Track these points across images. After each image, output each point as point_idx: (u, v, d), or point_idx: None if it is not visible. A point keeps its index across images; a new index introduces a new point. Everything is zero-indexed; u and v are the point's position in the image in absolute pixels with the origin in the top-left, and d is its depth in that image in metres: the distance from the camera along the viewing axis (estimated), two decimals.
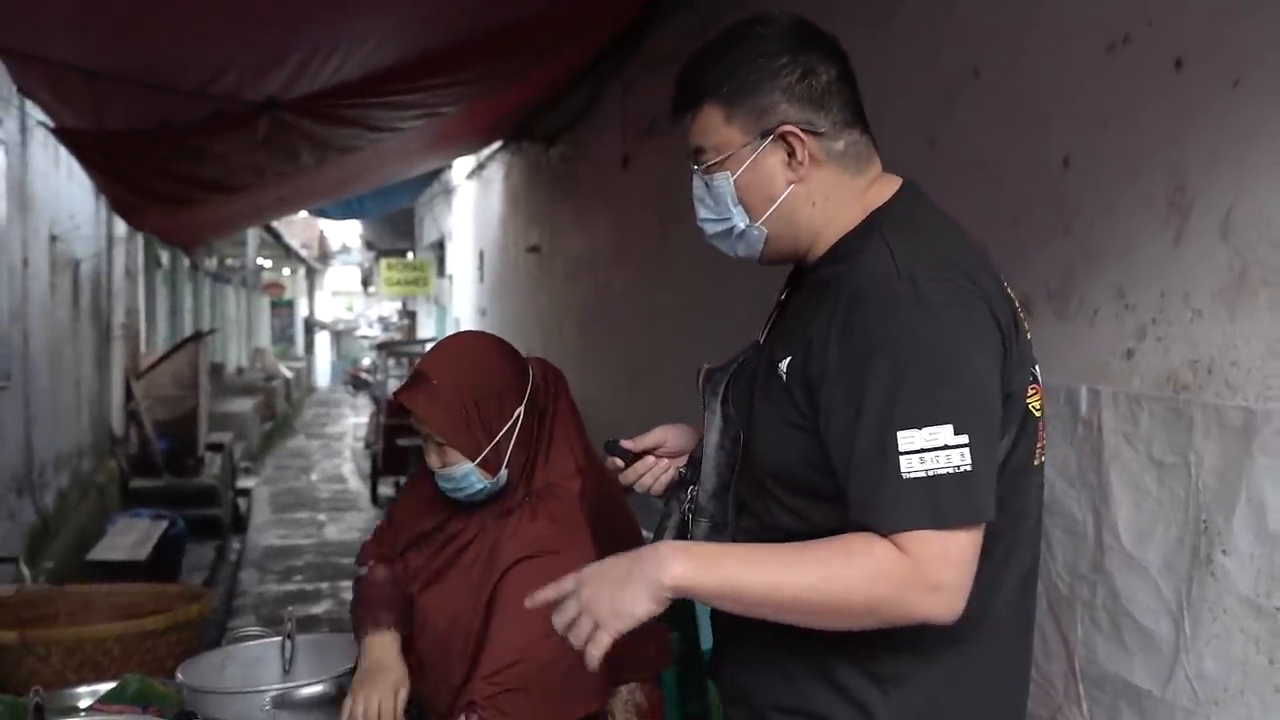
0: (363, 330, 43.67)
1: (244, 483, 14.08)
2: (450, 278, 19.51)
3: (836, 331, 1.63)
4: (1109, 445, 2.54)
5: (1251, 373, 2.19)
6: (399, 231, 24.87)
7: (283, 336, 35.39)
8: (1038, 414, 1.76)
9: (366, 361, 31.28)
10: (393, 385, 12.87)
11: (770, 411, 1.74)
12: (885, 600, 1.56)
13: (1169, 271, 2.40)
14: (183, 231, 10.06)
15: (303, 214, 19.80)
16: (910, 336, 1.58)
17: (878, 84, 1.85)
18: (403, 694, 2.32)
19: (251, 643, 2.76)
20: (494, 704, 2.17)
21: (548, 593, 1.73)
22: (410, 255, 25.36)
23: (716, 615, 1.88)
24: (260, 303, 31.19)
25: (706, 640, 3.20)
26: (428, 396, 2.30)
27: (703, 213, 1.83)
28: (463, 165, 15.55)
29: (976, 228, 1.85)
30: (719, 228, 1.81)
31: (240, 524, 12.20)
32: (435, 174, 16.24)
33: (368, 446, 15.18)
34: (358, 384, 30.18)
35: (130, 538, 7.97)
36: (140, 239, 12.43)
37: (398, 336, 27.70)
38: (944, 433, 1.54)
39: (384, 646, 2.37)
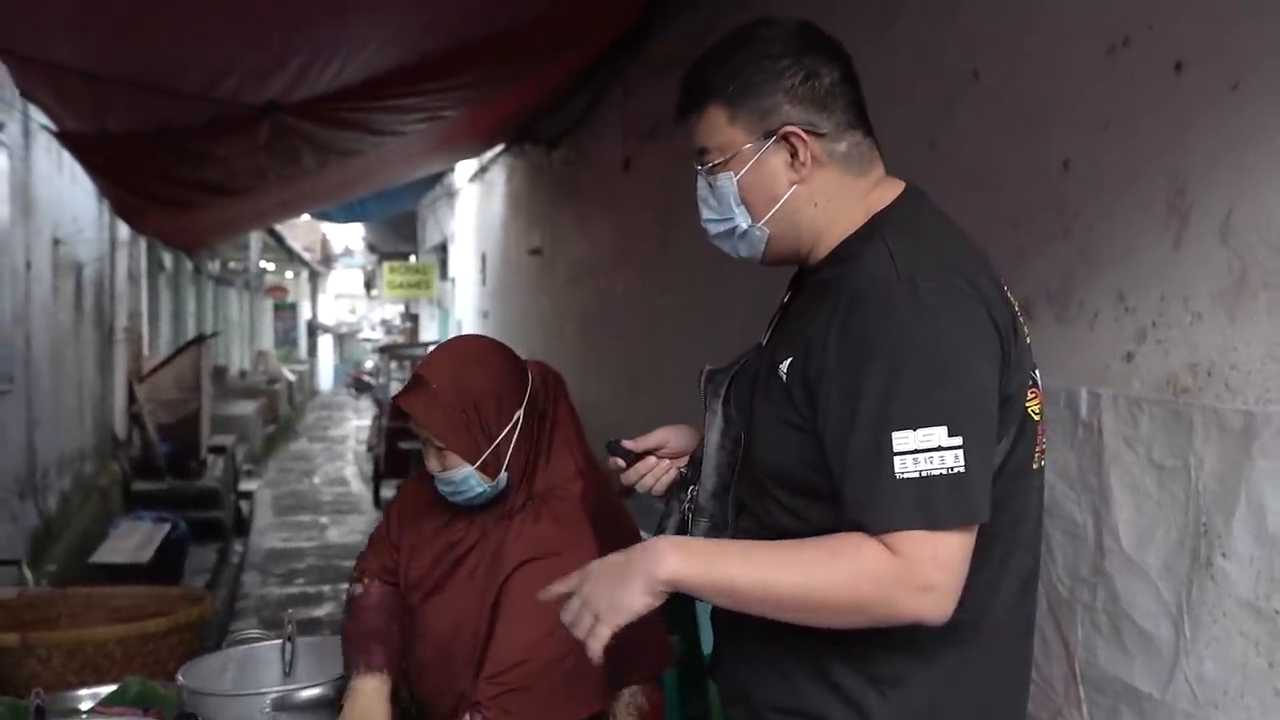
0: (365, 333, 43.71)
1: (246, 485, 14.08)
2: (453, 280, 19.53)
3: (836, 332, 1.64)
4: (1109, 448, 2.54)
5: (1251, 375, 2.19)
6: (401, 234, 24.90)
7: (285, 339, 35.43)
8: (1037, 418, 1.76)
9: (369, 364, 31.31)
10: (395, 388, 12.86)
11: (770, 412, 1.74)
12: (873, 599, 1.57)
13: (1169, 275, 2.40)
14: (185, 235, 10.08)
15: (305, 217, 19.80)
16: (907, 338, 1.59)
17: (879, 88, 1.86)
18: None
19: (252, 645, 2.77)
20: (498, 704, 2.17)
21: (558, 587, 1.76)
22: (413, 258, 25.39)
23: (716, 614, 1.89)
24: (263, 306, 31.23)
25: (708, 643, 3.20)
26: (427, 400, 2.29)
27: (706, 213, 1.84)
28: (465, 168, 15.57)
29: (977, 231, 1.85)
30: (722, 228, 1.83)
31: (242, 527, 12.21)
32: (438, 177, 16.27)
33: (370, 449, 15.18)
34: (360, 387, 30.19)
35: (132, 540, 7.98)
36: (143, 242, 12.45)
37: (400, 339, 27.73)
38: (938, 434, 1.55)
39: (372, 694, 2.36)
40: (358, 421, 24.31)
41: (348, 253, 40.73)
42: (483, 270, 15.18)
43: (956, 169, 3.16)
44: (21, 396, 7.66)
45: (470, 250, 16.59)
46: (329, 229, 33.62)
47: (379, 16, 4.59)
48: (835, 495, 1.63)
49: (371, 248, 31.77)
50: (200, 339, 13.55)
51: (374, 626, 2.44)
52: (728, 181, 1.78)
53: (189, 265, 17.81)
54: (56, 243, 8.79)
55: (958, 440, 1.55)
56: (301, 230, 30.11)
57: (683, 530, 1.91)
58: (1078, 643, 2.63)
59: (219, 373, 17.69)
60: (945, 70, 3.32)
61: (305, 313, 38.66)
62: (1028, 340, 1.77)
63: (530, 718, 2.19)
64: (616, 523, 2.39)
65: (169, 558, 8.11)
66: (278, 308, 34.38)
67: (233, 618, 8.18)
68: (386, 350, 18.08)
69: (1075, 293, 2.69)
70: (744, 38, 1.79)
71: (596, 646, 1.68)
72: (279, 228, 21.85)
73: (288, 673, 2.66)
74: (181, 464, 11.30)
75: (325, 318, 43.54)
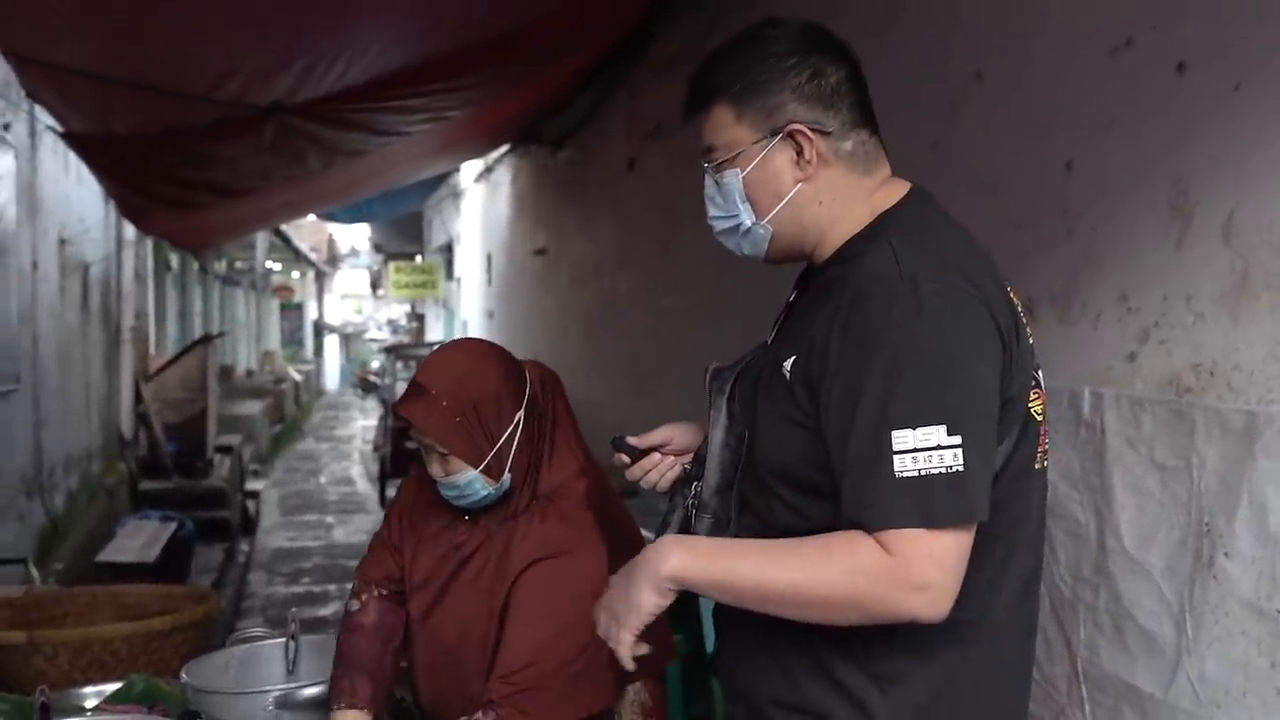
0: (371, 333, 43.77)
1: (252, 485, 14.11)
2: (458, 281, 19.54)
3: (838, 331, 1.65)
4: (1112, 448, 2.54)
5: (1253, 376, 2.19)
6: (407, 235, 24.93)
7: (292, 339, 35.46)
8: (1039, 418, 1.77)
9: (375, 364, 31.33)
10: (401, 388, 12.87)
11: (773, 410, 1.75)
12: (868, 597, 1.58)
13: (1171, 275, 2.40)
14: (191, 235, 10.09)
15: (311, 217, 19.82)
16: (908, 337, 1.59)
17: (882, 89, 1.87)
18: None
19: (256, 644, 2.78)
20: (512, 703, 2.17)
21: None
22: (418, 258, 25.43)
23: (719, 611, 1.90)
24: (269, 306, 31.25)
25: (711, 641, 3.21)
26: (426, 407, 2.29)
27: (712, 210, 1.85)
28: (471, 169, 15.59)
29: (980, 232, 1.85)
30: (727, 225, 1.84)
31: (249, 526, 12.24)
32: (443, 177, 16.27)
33: (376, 449, 15.21)
34: (366, 387, 30.24)
35: (139, 539, 8.00)
36: (149, 242, 12.46)
37: (406, 339, 27.78)
38: (937, 433, 1.56)
39: None
40: (364, 421, 24.35)
41: (354, 253, 40.80)
42: (488, 270, 15.20)
43: (960, 171, 3.16)
44: (28, 396, 7.67)
45: (476, 250, 16.61)
46: (335, 229, 33.70)
47: (382, 18, 4.60)
48: (837, 493, 1.64)
49: (377, 248, 31.84)
50: (206, 339, 13.55)
51: (366, 654, 2.44)
52: (733, 179, 1.79)
53: (195, 265, 17.83)
54: (63, 243, 8.81)
55: (957, 439, 1.56)
56: (308, 230, 30.16)
57: (686, 526, 1.92)
58: (1080, 642, 2.63)
59: (225, 372, 17.70)
60: (949, 72, 3.33)
61: (311, 313, 38.69)
62: (1030, 341, 1.78)
63: (544, 717, 2.19)
64: (619, 520, 2.40)
65: (175, 557, 8.13)
66: (284, 307, 34.40)
67: (239, 617, 8.20)
68: (392, 350, 18.10)
69: (1078, 293, 2.70)
70: (751, 37, 1.80)
71: (624, 653, 1.74)
72: (285, 228, 21.87)
73: (291, 671, 2.67)
74: (188, 463, 11.32)
75: (331, 318, 43.58)
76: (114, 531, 8.55)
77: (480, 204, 15.84)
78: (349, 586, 2.58)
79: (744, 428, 1.83)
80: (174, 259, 15.71)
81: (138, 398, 11.67)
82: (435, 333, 24.08)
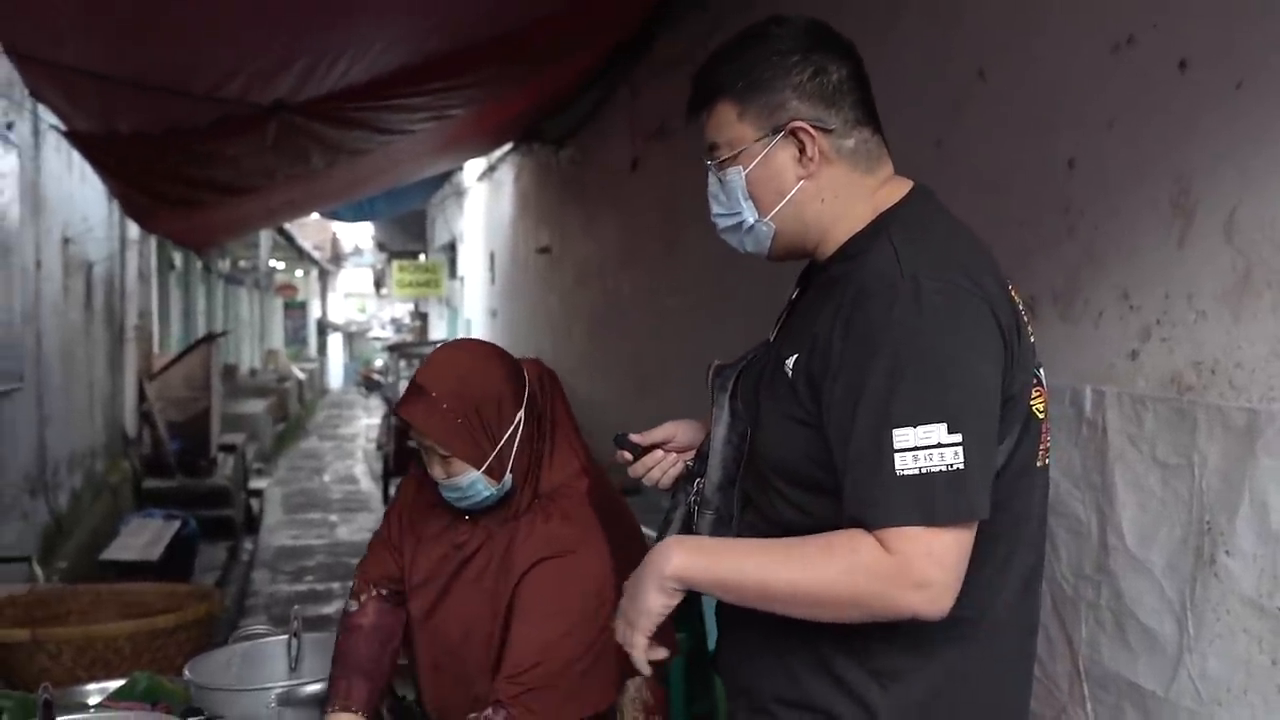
0: (375, 332, 43.80)
1: (256, 483, 14.14)
2: (462, 279, 19.55)
3: (840, 329, 1.66)
4: (1113, 446, 2.54)
5: (1255, 374, 2.19)
6: (411, 233, 24.93)
7: (295, 338, 35.51)
8: (1041, 416, 1.77)
9: (379, 363, 31.35)
10: (405, 386, 12.90)
11: (776, 408, 1.76)
12: (868, 595, 1.59)
13: (1173, 273, 2.40)
14: (195, 234, 10.09)
15: (315, 216, 19.85)
16: (909, 336, 1.60)
17: (885, 87, 1.87)
18: None
19: (259, 641, 2.78)
20: (521, 702, 2.17)
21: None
22: (422, 257, 25.43)
23: (721, 608, 1.91)
24: (273, 304, 31.28)
25: (714, 639, 3.21)
26: (427, 408, 2.29)
27: (715, 208, 1.86)
28: (474, 167, 15.59)
29: (983, 230, 1.86)
30: (730, 222, 1.85)
31: (252, 524, 12.26)
32: (446, 176, 16.27)
33: (379, 448, 15.23)
34: (370, 385, 30.24)
35: (143, 538, 8.02)
36: (153, 241, 12.48)
37: (410, 338, 27.79)
38: (938, 431, 1.57)
39: None
40: (367, 420, 24.37)
41: (357, 251, 40.83)
42: (491, 269, 15.20)
43: (962, 169, 3.16)
44: (32, 395, 7.69)
45: (479, 249, 16.61)
46: (339, 228, 33.71)
47: (385, 17, 4.60)
48: (838, 490, 1.65)
49: (381, 246, 31.84)
50: (210, 337, 13.57)
51: (363, 655, 2.44)
52: (736, 176, 1.80)
53: (199, 264, 17.86)
54: (66, 242, 8.82)
55: (957, 438, 1.56)
56: (311, 229, 30.19)
57: (689, 523, 1.93)
58: (1082, 640, 2.63)
59: (229, 371, 17.74)
60: (951, 70, 3.33)
61: (315, 311, 38.74)
62: (1032, 339, 1.78)
63: (552, 716, 2.20)
64: (620, 517, 2.40)
65: (179, 555, 8.16)
66: (288, 306, 34.43)
67: (242, 615, 8.22)
68: (396, 349, 18.12)
69: (1080, 291, 2.70)
70: (754, 35, 1.81)
71: (639, 656, 1.77)
72: (289, 226, 21.89)
73: (293, 668, 2.67)
74: (192, 462, 11.34)
75: (335, 316, 43.62)
76: (118, 530, 8.58)
77: (483, 202, 15.84)
78: (352, 585, 2.59)
79: (746, 425, 1.83)
80: (178, 258, 15.73)
81: (141, 396, 11.69)
82: (438, 331, 24.09)
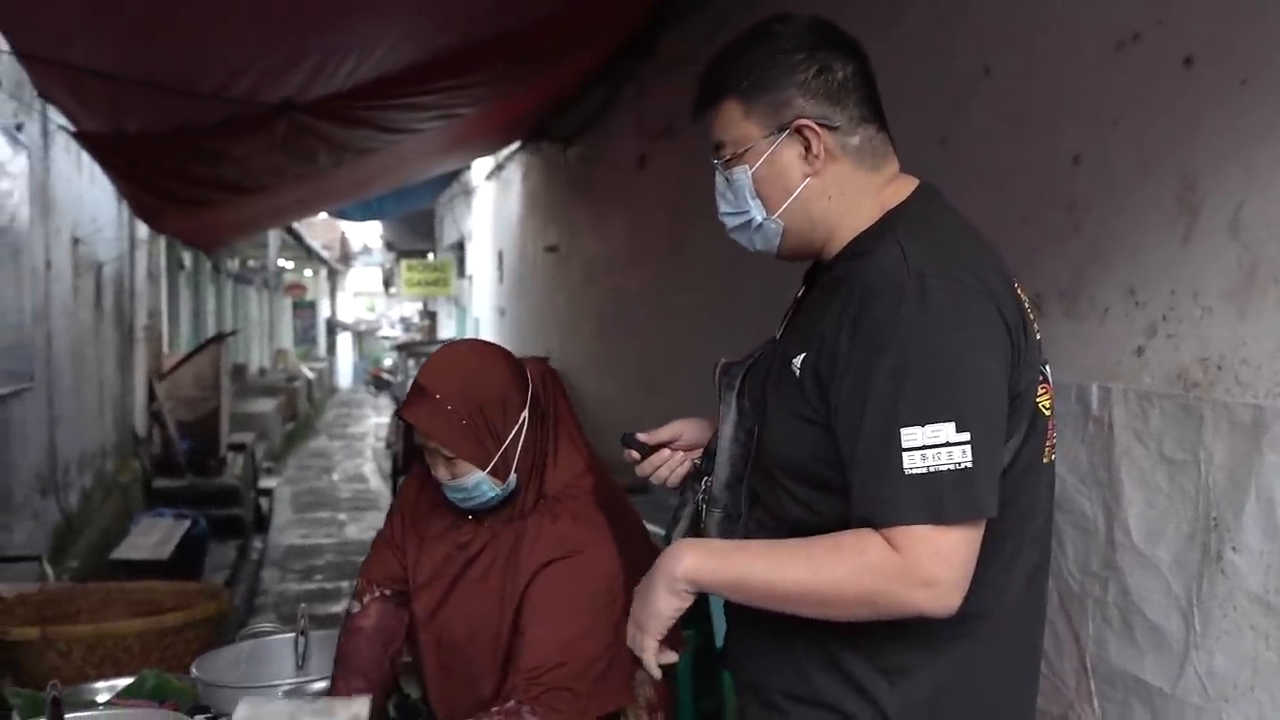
0: (384, 331, 43.85)
1: (266, 483, 14.16)
2: (470, 278, 19.56)
3: (847, 328, 1.66)
4: (1120, 442, 2.54)
5: (1261, 370, 2.19)
6: (419, 232, 24.95)
7: (305, 337, 35.53)
8: (1047, 412, 1.78)
9: (388, 362, 31.40)
10: None
11: (782, 406, 1.77)
12: (876, 594, 1.60)
13: (1179, 270, 2.40)
14: (203, 234, 10.12)
15: (323, 215, 19.87)
16: (916, 334, 1.60)
17: (890, 84, 1.87)
18: None
19: (266, 639, 2.79)
20: (544, 702, 2.17)
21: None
22: (430, 256, 25.45)
23: (729, 604, 1.92)
24: (282, 304, 31.33)
25: (721, 637, 3.22)
26: (431, 410, 2.28)
27: (723, 206, 1.87)
28: (482, 166, 15.59)
29: (988, 228, 1.86)
30: (738, 221, 1.85)
31: (262, 523, 12.27)
32: (454, 175, 16.30)
33: (389, 446, 15.23)
34: (379, 384, 30.29)
35: (153, 537, 8.04)
36: (162, 241, 12.51)
37: (418, 337, 27.81)
38: (946, 430, 1.57)
39: None
40: (376, 419, 24.39)
41: (366, 251, 40.87)
42: (500, 268, 15.20)
43: (967, 166, 3.16)
44: (43, 395, 7.71)
45: (487, 248, 16.62)
46: (347, 227, 33.74)
47: (392, 15, 4.61)
48: (846, 488, 1.66)
49: (389, 245, 31.86)
50: (219, 337, 13.61)
51: (364, 658, 2.44)
52: (743, 175, 1.80)
53: (208, 264, 17.89)
54: (76, 242, 8.84)
55: (965, 436, 1.57)
56: (320, 228, 30.23)
57: (697, 521, 1.94)
58: (1089, 637, 2.63)
59: (238, 370, 17.77)
60: (956, 67, 3.33)
61: (324, 310, 38.78)
62: (1038, 336, 1.79)
63: (575, 716, 2.20)
64: (625, 514, 2.41)
65: (189, 554, 8.17)
66: (297, 306, 34.47)
67: (251, 613, 8.24)
68: (405, 348, 18.13)
69: (1086, 288, 2.70)
70: (759, 33, 1.82)
71: (649, 659, 1.79)
72: (297, 226, 21.91)
73: (300, 666, 2.68)
74: (201, 461, 11.37)
75: (344, 315, 43.69)
76: (128, 529, 8.61)
77: (491, 201, 15.85)
78: None
79: (753, 423, 1.84)
80: (187, 258, 15.77)
81: (151, 396, 11.72)
82: (447, 330, 24.13)
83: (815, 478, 1.73)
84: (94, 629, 3.11)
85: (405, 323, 39.77)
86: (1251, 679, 2.19)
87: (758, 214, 1.81)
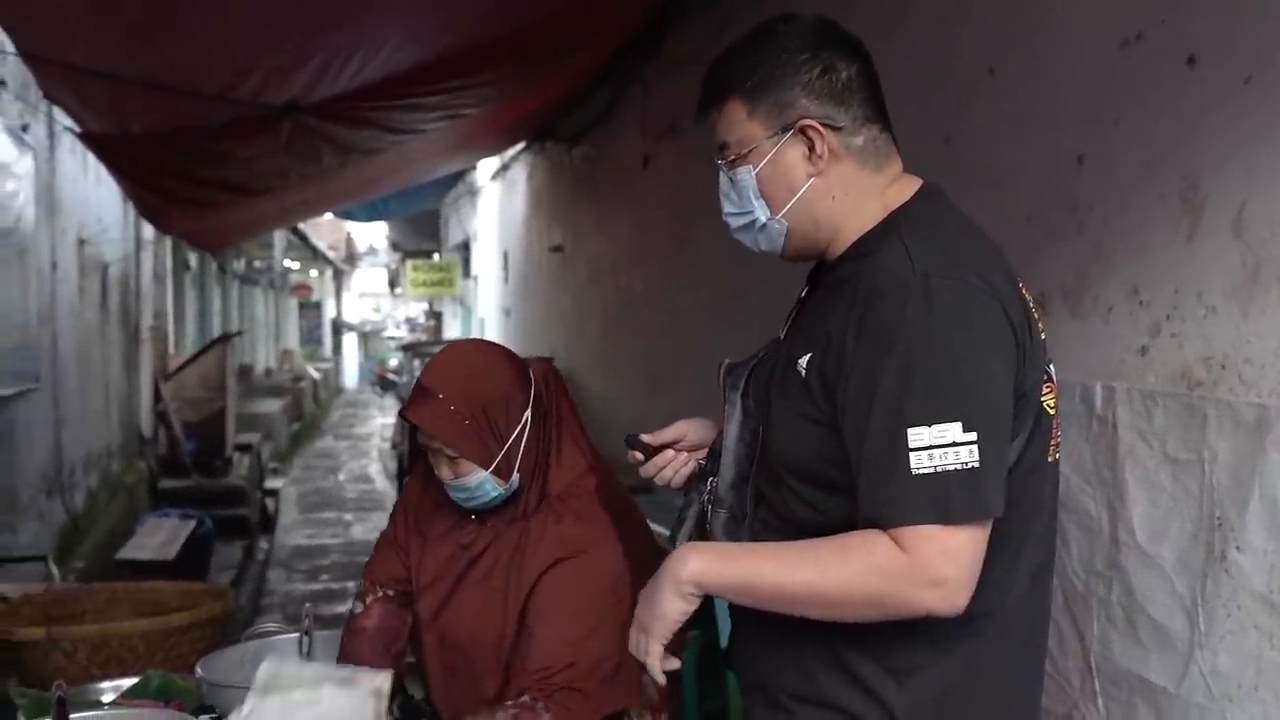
0: (390, 331, 43.87)
1: (272, 483, 14.18)
2: (475, 278, 19.56)
3: (853, 329, 1.67)
4: (1124, 442, 2.54)
5: (1265, 369, 2.19)
6: (425, 233, 24.97)
7: (310, 338, 35.60)
8: (1052, 411, 1.79)
9: (393, 362, 31.41)
10: None
11: (787, 406, 1.77)
12: (884, 595, 1.61)
13: (1182, 269, 2.40)
14: (209, 234, 10.13)
15: (329, 216, 19.89)
16: (922, 335, 1.61)
17: (894, 84, 1.88)
18: None
19: (271, 639, 2.79)
20: (557, 701, 2.17)
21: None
22: (436, 256, 25.46)
23: (735, 604, 1.92)
24: (288, 304, 31.35)
25: (726, 637, 3.21)
26: (434, 410, 2.28)
27: (727, 207, 1.87)
28: (487, 166, 15.60)
29: (992, 227, 1.86)
30: (742, 221, 1.85)
31: (268, 524, 12.30)
32: (460, 175, 16.31)
33: (394, 447, 15.27)
34: (385, 385, 30.33)
35: (159, 537, 8.06)
36: (168, 242, 12.52)
37: (424, 337, 27.83)
38: (953, 430, 1.58)
39: None
40: (382, 419, 24.40)
41: (372, 251, 40.94)
42: (505, 268, 15.21)
43: (971, 166, 3.16)
44: (48, 395, 7.72)
45: (493, 248, 16.62)
46: (353, 228, 33.80)
47: (396, 15, 4.61)
48: (851, 488, 1.66)
49: (395, 246, 31.90)
50: (225, 337, 13.61)
51: (367, 658, 2.44)
52: (747, 175, 1.80)
53: (214, 264, 17.90)
54: (82, 243, 8.86)
55: (972, 436, 1.57)
56: (326, 229, 30.27)
57: (702, 521, 1.95)
58: (1093, 637, 2.63)
59: (244, 371, 17.78)
60: (960, 67, 3.33)
61: (330, 311, 38.85)
62: (1043, 335, 1.79)
63: (586, 716, 2.20)
64: (629, 513, 2.41)
65: (195, 554, 8.19)
66: (302, 306, 34.51)
67: (258, 614, 8.25)
68: (410, 348, 18.13)
69: (1090, 287, 2.70)
70: (764, 34, 1.82)
71: (654, 664, 1.79)
72: (303, 226, 21.96)
73: None
74: (207, 462, 11.38)
75: (350, 316, 43.74)
76: (134, 529, 8.63)
77: (497, 201, 15.85)
78: None
79: (758, 423, 1.84)
80: (192, 258, 15.78)
81: (157, 396, 11.73)
82: (453, 330, 24.12)
83: (821, 478, 1.73)
84: (99, 629, 3.11)
85: (411, 323, 39.76)
86: (1256, 678, 2.19)
87: (762, 214, 1.82)
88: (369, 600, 2.51)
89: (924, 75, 3.44)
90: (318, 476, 16.85)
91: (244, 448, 12.53)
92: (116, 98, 5.16)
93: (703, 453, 2.05)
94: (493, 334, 15.65)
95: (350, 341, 42.36)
